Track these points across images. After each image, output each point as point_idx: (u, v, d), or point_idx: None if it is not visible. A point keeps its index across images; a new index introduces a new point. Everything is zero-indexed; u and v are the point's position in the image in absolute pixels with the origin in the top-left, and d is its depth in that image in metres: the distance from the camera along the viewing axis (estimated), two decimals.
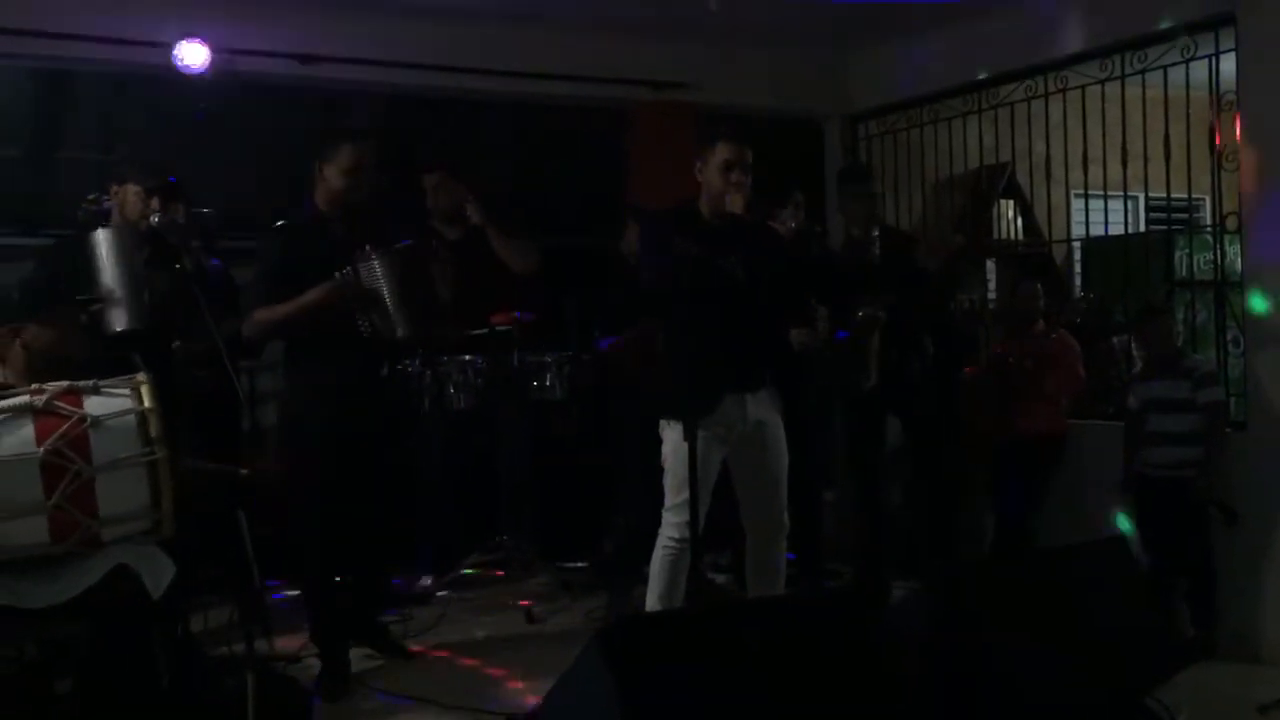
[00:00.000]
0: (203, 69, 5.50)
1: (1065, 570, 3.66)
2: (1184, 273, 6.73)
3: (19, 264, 5.26)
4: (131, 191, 4.59)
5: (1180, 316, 5.77)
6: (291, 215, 4.52)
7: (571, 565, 6.17)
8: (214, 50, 5.51)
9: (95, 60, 5.62)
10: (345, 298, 4.32)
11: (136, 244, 4.29)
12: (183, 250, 4.44)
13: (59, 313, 3.90)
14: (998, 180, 7.29)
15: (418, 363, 5.42)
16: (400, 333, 4.36)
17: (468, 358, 5.52)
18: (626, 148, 6.76)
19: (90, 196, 4.73)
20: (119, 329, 4.17)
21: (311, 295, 4.31)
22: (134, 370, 3.58)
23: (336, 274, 4.31)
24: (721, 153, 4.19)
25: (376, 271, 4.32)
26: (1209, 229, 5.81)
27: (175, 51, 5.46)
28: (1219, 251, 5.60)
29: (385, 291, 4.32)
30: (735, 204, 4.14)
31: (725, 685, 2.70)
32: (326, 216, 4.48)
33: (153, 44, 5.48)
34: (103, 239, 4.22)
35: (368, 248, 4.33)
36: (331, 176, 4.42)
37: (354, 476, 4.42)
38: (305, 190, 4.52)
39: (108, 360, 3.83)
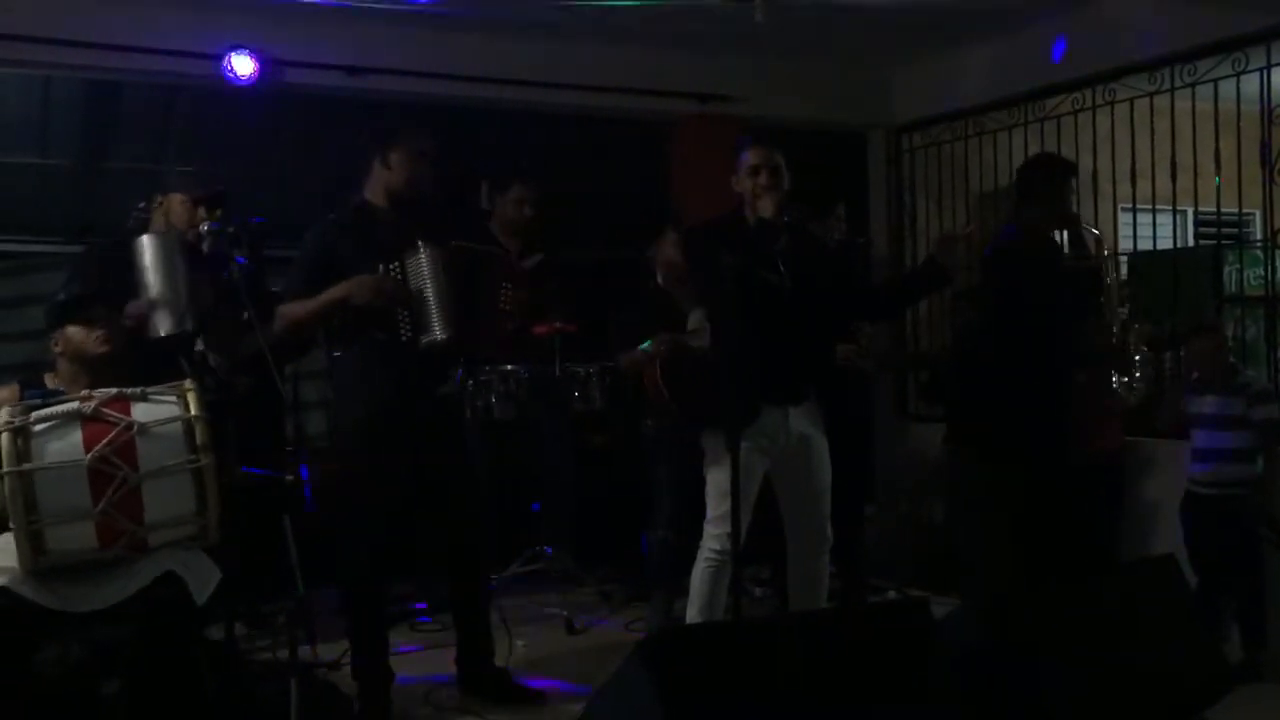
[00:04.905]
0: (251, 80, 5.57)
1: (1112, 589, 3.60)
2: (1233, 288, 6.63)
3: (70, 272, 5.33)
4: (177, 200, 4.63)
5: (1229, 332, 5.69)
6: (339, 212, 4.29)
7: (611, 576, 6.17)
8: (263, 62, 5.58)
9: (145, 71, 5.69)
10: (382, 295, 4.03)
11: (180, 250, 4.32)
12: (229, 258, 4.45)
13: (95, 313, 3.93)
14: None
15: (460, 373, 5.35)
16: (439, 334, 4.04)
17: (510, 367, 5.52)
18: (670, 160, 6.75)
19: (140, 205, 4.79)
20: (163, 333, 4.21)
21: (338, 290, 4.04)
22: (184, 376, 3.63)
23: (380, 268, 4.04)
24: (749, 159, 4.21)
25: (423, 266, 4.04)
26: (1259, 244, 5.73)
27: (225, 63, 5.54)
28: (1270, 267, 5.52)
29: (429, 289, 4.03)
30: (765, 206, 4.14)
31: (768, 699, 2.68)
32: (375, 209, 4.21)
33: (202, 55, 5.56)
34: (146, 244, 4.26)
35: (419, 242, 4.05)
36: (396, 165, 4.15)
37: (409, 500, 4.24)
38: (359, 184, 4.29)
39: (159, 365, 3.87)
